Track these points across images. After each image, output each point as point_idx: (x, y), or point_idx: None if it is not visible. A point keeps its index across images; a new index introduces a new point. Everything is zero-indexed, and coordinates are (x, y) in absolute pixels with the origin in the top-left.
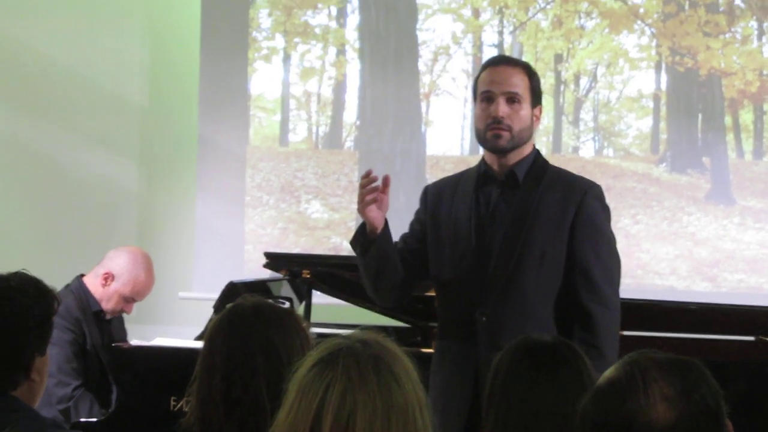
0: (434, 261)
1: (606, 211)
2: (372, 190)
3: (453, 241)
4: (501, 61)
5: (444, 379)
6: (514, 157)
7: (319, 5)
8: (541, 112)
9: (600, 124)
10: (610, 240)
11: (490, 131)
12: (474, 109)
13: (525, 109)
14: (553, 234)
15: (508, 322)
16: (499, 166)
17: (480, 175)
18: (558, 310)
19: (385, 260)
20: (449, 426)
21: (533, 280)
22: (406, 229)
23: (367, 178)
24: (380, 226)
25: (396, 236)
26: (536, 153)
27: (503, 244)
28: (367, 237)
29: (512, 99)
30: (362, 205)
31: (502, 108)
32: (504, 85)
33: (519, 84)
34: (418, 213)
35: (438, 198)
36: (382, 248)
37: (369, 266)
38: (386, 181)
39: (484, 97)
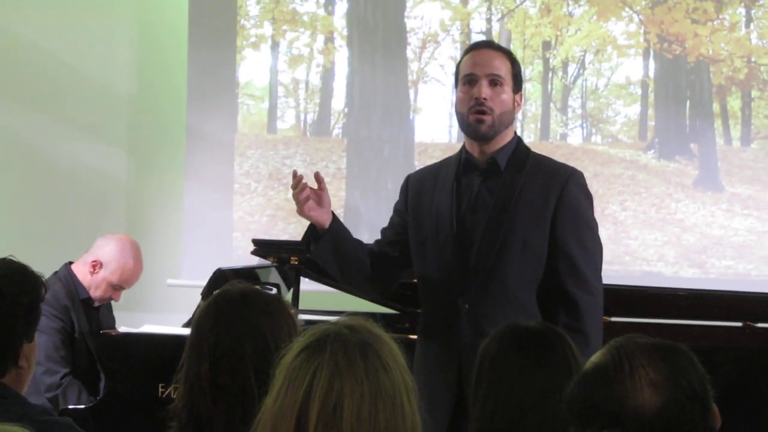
0: (416, 250)
1: (588, 197)
2: (302, 189)
3: (435, 230)
4: (483, 46)
5: (428, 369)
6: (495, 144)
7: None
8: (521, 99)
9: (588, 111)
10: (592, 226)
11: (472, 115)
12: (456, 94)
13: (507, 93)
14: (534, 222)
15: (490, 310)
16: (480, 154)
17: (461, 163)
18: (541, 297)
19: (342, 252)
20: (436, 416)
21: (515, 268)
22: (392, 215)
23: (295, 179)
24: (326, 222)
25: (384, 222)
26: (518, 140)
27: (485, 233)
28: (316, 234)
29: (495, 81)
30: (299, 207)
31: (485, 90)
32: (486, 68)
33: (501, 67)
34: (397, 204)
35: (419, 188)
36: (334, 241)
37: (325, 261)
38: (317, 177)
39: (466, 80)
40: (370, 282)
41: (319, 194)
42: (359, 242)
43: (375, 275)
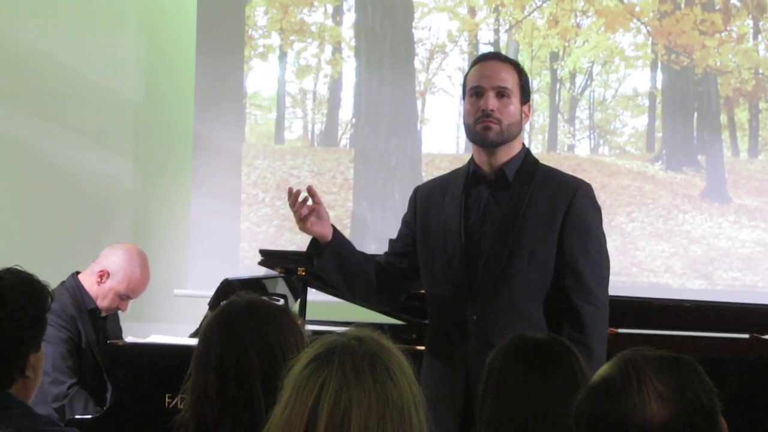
0: (424, 262)
1: (596, 209)
2: (302, 205)
3: (443, 241)
4: (490, 57)
5: (436, 380)
6: (503, 156)
7: (315, 3)
8: (530, 110)
9: (596, 123)
10: (600, 239)
11: (479, 124)
12: (463, 106)
13: (514, 104)
14: (542, 233)
15: (498, 321)
16: (488, 166)
17: (469, 174)
18: (548, 308)
19: (345, 265)
20: (443, 427)
21: (523, 279)
22: (400, 226)
23: (292, 197)
24: (328, 236)
25: (391, 232)
26: (526, 152)
27: (493, 244)
28: (319, 248)
29: (501, 93)
30: (301, 223)
31: (492, 101)
32: (493, 80)
33: (508, 79)
34: (405, 216)
35: (427, 200)
36: (337, 254)
37: (329, 274)
38: (310, 191)
39: (473, 92)
40: (377, 294)
41: (317, 208)
42: (363, 254)
43: (382, 287)
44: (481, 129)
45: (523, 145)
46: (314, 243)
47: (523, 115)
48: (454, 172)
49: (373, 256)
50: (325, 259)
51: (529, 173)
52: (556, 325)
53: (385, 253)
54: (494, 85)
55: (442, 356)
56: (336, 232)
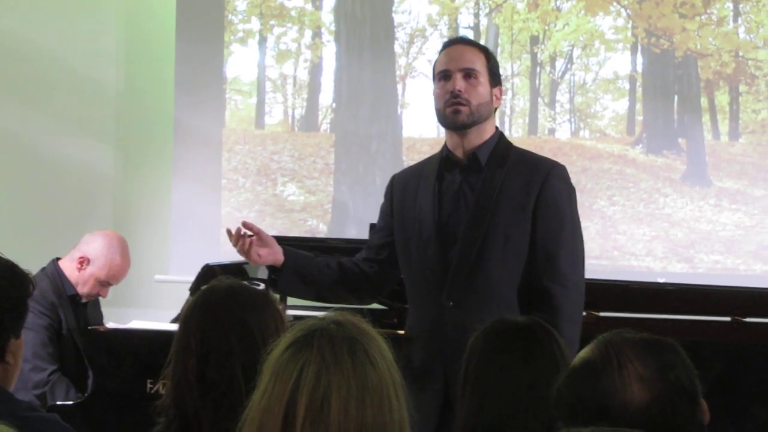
0: (401, 250)
1: (570, 190)
2: (243, 240)
3: (418, 228)
4: (456, 41)
5: (415, 365)
6: (475, 140)
7: None
8: (501, 93)
9: (576, 106)
10: (574, 220)
11: (449, 107)
12: (433, 92)
13: (483, 85)
14: (516, 216)
15: (474, 306)
16: (461, 150)
17: (442, 160)
18: (520, 291)
19: (309, 276)
20: (423, 411)
21: (498, 263)
22: (378, 217)
23: (233, 237)
24: (280, 257)
25: (372, 217)
26: (499, 135)
27: (467, 229)
28: (276, 270)
29: (469, 74)
30: (248, 258)
31: (459, 83)
32: (460, 62)
33: (475, 60)
34: (382, 207)
35: (403, 188)
36: (295, 271)
37: (296, 291)
38: (246, 226)
39: (441, 76)
40: (351, 294)
41: (259, 237)
42: (326, 261)
43: (354, 288)
44: (451, 113)
45: (497, 128)
46: (271, 268)
47: (494, 97)
48: (428, 159)
49: (342, 258)
50: (285, 279)
51: (502, 156)
52: (528, 307)
53: (366, 247)
54: (461, 67)
55: (421, 341)
56: (287, 252)
